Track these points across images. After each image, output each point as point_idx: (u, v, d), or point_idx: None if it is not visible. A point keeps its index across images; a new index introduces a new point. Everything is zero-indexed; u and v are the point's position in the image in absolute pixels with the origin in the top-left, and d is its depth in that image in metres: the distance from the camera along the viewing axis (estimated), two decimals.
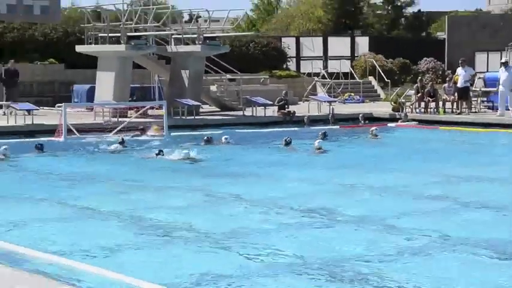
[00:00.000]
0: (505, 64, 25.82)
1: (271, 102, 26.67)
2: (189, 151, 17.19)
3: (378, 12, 64.22)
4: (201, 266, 8.19)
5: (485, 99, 28.18)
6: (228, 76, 31.20)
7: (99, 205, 11.76)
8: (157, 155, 17.22)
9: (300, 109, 28.03)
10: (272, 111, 26.32)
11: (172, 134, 21.68)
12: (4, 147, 17.11)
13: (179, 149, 17.77)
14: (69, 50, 30.05)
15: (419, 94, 27.32)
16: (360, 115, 26.28)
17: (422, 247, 9.15)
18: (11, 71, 27.24)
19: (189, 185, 13.94)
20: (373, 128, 22.05)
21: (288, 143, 19.14)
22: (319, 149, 18.35)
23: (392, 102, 28.55)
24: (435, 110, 26.93)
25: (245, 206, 11.95)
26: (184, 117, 24.99)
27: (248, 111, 26.68)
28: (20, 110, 22.93)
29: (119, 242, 9.35)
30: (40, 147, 17.97)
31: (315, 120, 25.29)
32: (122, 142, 18.99)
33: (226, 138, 20.02)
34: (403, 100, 28.39)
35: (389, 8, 63.76)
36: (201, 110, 27.31)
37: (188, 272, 7.92)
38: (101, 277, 7.43)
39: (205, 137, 20.17)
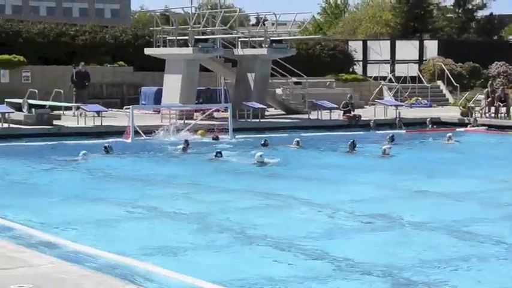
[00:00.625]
0: None
1: (336, 106, 26.55)
2: (261, 154, 17.09)
3: (448, 15, 63.29)
4: (265, 269, 8.20)
5: None
6: (294, 79, 31.14)
7: (164, 206, 11.88)
8: (215, 156, 17.29)
9: (366, 113, 27.83)
10: (337, 115, 26.20)
11: (237, 136, 21.76)
12: (83, 152, 17.32)
13: (249, 152, 17.83)
14: (138, 52, 30.48)
15: (489, 99, 26.85)
16: (427, 119, 25.95)
17: (489, 255, 8.99)
18: (82, 73, 27.70)
19: (255, 187, 13.96)
20: (449, 133, 21.73)
21: (353, 147, 19.01)
22: (387, 153, 18.17)
23: (461, 107, 28.10)
24: (506, 115, 26.41)
25: (310, 210, 11.91)
26: (249, 120, 25.06)
27: (313, 115, 26.62)
28: (89, 111, 23.33)
29: (183, 243, 9.43)
30: (108, 149, 18.16)
31: (381, 124, 25.08)
32: (186, 144, 19.07)
33: (297, 142, 19.89)
34: (472, 105, 27.93)
35: (459, 11, 62.76)
36: (266, 113, 27.32)
37: (253, 275, 7.94)
38: (166, 278, 7.50)
39: (262, 141, 20.13)
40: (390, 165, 17.33)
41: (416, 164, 17.79)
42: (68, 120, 23.62)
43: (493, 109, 26.72)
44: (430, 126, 25.49)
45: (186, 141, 19.32)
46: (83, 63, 28.42)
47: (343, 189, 13.95)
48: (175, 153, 18.73)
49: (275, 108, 29.61)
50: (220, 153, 17.52)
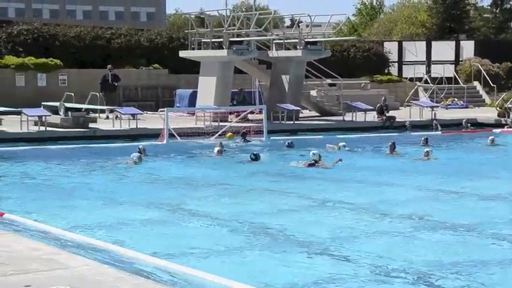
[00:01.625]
0: None
1: (371, 107, 26.43)
2: (317, 156, 16.75)
3: (485, 15, 62.66)
4: (300, 271, 8.17)
5: None
6: (329, 81, 31.08)
7: (198, 208, 11.90)
8: (252, 159, 17.31)
9: (401, 114, 27.67)
10: (373, 117, 26.08)
11: (271, 138, 21.75)
12: (137, 155, 17.26)
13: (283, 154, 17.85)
14: (173, 55, 30.65)
15: None
16: (464, 120, 25.72)
17: None
18: (111, 76, 27.87)
19: (291, 189, 13.92)
20: (492, 136, 21.38)
21: (393, 149, 18.80)
22: (427, 155, 17.96)
23: (498, 108, 27.82)
24: None
25: (348, 211, 11.84)
26: (284, 122, 25.06)
27: (348, 116, 26.53)
28: (124, 114, 23.48)
29: (216, 244, 9.43)
30: (141, 151, 17.89)
31: (416, 126, 24.91)
32: (221, 147, 19.06)
33: (344, 145, 19.65)
34: (509, 105, 27.61)
35: (497, 11, 62.09)
36: (300, 114, 27.30)
37: (287, 277, 7.92)
38: (198, 279, 7.49)
39: (287, 142, 20.07)
40: (429, 167, 17.13)
41: (459, 166, 17.60)
42: (104, 123, 23.80)
43: None
44: (466, 127, 25.26)
45: (221, 144, 19.33)
46: (110, 66, 28.55)
47: (382, 190, 13.86)
48: (210, 156, 18.71)
49: (309, 110, 29.59)
50: (257, 155, 17.51)
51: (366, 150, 20.42)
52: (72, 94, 25.32)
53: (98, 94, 26.32)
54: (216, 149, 18.83)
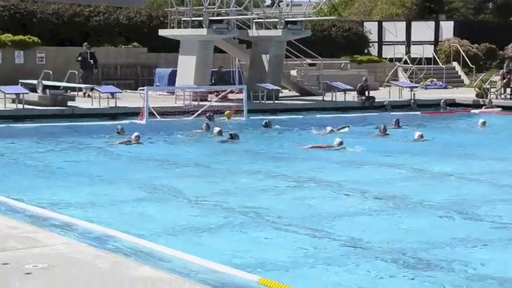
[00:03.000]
0: None
1: (351, 87, 26.46)
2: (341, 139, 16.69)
3: None
4: (274, 250, 8.20)
5: None
6: (309, 61, 31.04)
7: (176, 187, 11.86)
8: (229, 139, 17.26)
9: (381, 94, 27.74)
10: (352, 97, 26.12)
11: (251, 117, 21.73)
12: (136, 134, 17.15)
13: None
14: (152, 33, 30.44)
15: (505, 80, 26.69)
16: (442, 101, 25.83)
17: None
18: (89, 54, 27.31)
19: (272, 169, 13.91)
20: (482, 119, 21.34)
21: (384, 131, 18.61)
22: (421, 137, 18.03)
23: (477, 88, 27.96)
24: None
25: (330, 191, 11.87)
26: (263, 102, 25.03)
27: (328, 96, 26.55)
28: (103, 92, 23.31)
29: (198, 225, 9.43)
30: (120, 131, 17.84)
31: (396, 106, 24.98)
32: (208, 127, 18.84)
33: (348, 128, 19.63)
34: (487, 86, 27.77)
35: None
36: (280, 94, 27.28)
37: (262, 255, 7.95)
38: (180, 259, 7.49)
39: (264, 122, 20.03)
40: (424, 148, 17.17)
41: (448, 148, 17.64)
42: (82, 101, 23.64)
43: (508, 90, 26.55)
44: (444, 107, 25.37)
45: (207, 124, 19.17)
46: (86, 43, 27.98)
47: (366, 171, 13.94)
48: (190, 135, 18.63)
49: (289, 90, 29.56)
50: (234, 135, 17.47)
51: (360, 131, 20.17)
52: (50, 72, 25.02)
53: (76, 72, 26.11)
54: (217, 129, 18.52)
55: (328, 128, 19.37)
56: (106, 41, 32.44)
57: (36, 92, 22.88)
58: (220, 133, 18.05)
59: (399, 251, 8.25)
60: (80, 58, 27.13)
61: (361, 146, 16.63)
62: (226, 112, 21.56)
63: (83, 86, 25.36)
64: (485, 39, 39.36)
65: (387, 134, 18.74)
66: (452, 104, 26.21)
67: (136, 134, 17.05)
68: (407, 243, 8.57)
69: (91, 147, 16.61)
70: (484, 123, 20.97)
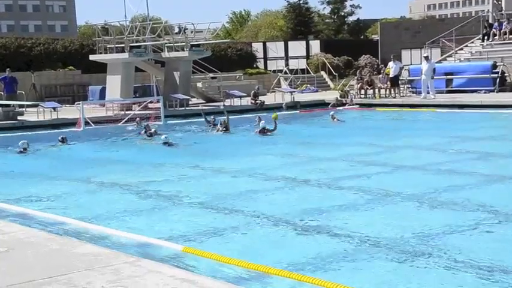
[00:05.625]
0: (426, 58, 25.98)
1: (245, 94, 26.59)
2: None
3: (326, 20, 64.22)
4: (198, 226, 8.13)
5: (409, 85, 28.34)
6: (211, 75, 31.05)
7: (111, 180, 11.62)
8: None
9: (269, 99, 27.97)
10: (247, 101, 26.22)
11: (168, 122, 21.53)
12: (61, 136, 16.56)
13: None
14: (84, 58, 29.73)
15: (359, 84, 27.38)
16: (283, 104, 25.87)
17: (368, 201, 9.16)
18: (10, 79, 24.87)
19: (184, 161, 13.77)
20: (332, 112, 21.46)
21: (266, 130, 18.01)
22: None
23: (340, 91, 28.57)
24: (372, 95, 27.02)
25: (231, 176, 11.87)
26: (177, 109, 24.85)
27: (227, 102, 26.58)
28: (47, 107, 22.65)
29: (128, 207, 9.26)
30: (63, 140, 16.91)
31: (277, 107, 25.18)
32: (147, 130, 18.03)
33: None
34: (348, 89, 28.42)
35: (335, 17, 63.80)
36: (190, 102, 27.13)
37: (180, 230, 7.85)
38: (114, 236, 7.32)
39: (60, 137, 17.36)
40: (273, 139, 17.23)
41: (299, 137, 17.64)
42: (30, 115, 22.84)
43: (362, 91, 27.26)
44: (285, 108, 25.19)
45: (145, 126, 18.41)
46: (8, 69, 25.53)
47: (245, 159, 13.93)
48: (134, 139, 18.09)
49: (197, 98, 29.44)
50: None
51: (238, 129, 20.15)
52: (1, 93, 24.13)
53: (23, 92, 25.28)
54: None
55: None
56: (47, 66, 31.54)
57: None
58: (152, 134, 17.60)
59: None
60: (2, 80, 25.05)
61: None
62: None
63: (30, 103, 24.38)
64: (343, 53, 40.33)
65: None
66: (322, 103, 26.67)
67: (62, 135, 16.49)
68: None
69: (39, 152, 16.04)
70: (333, 116, 20.71)
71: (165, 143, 16.05)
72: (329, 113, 21.53)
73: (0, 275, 4.92)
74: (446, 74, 27.45)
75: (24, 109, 23.68)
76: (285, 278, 5.57)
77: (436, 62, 28.07)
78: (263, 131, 17.27)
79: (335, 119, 20.58)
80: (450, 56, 30.93)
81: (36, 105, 23.50)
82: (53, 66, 31.85)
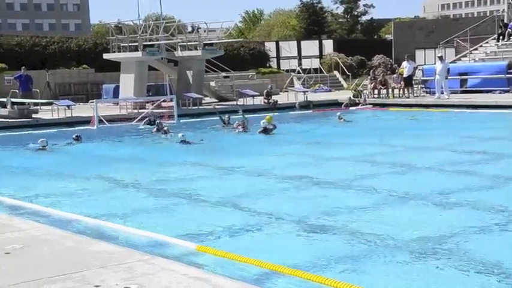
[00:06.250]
0: (441, 58, 25.86)
1: (258, 93, 26.61)
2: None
3: (339, 20, 64.09)
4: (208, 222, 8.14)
5: (423, 86, 28.23)
6: (223, 74, 31.07)
7: (126, 178, 11.65)
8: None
9: (281, 98, 27.97)
10: (259, 100, 26.24)
11: (181, 120, 21.58)
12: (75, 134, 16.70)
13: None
14: (98, 57, 29.90)
15: (373, 83, 27.30)
16: (296, 103, 25.90)
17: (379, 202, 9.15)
18: (25, 77, 25.21)
19: (187, 160, 13.76)
20: (339, 112, 21.43)
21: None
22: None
23: (353, 90, 28.51)
24: (386, 95, 26.94)
25: (245, 175, 11.87)
26: (190, 108, 24.91)
27: (240, 101, 26.61)
28: (61, 105, 22.81)
29: (142, 206, 9.30)
30: (78, 138, 16.93)
31: (288, 107, 25.21)
32: (159, 128, 18.19)
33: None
34: (361, 88, 28.36)
35: (348, 16, 63.67)
36: (203, 101, 27.19)
37: (191, 227, 7.88)
38: (129, 234, 7.35)
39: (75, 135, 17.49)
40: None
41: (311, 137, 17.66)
42: (44, 113, 23.01)
43: (376, 91, 27.20)
44: (299, 108, 25.21)
45: (158, 124, 18.52)
46: (24, 67, 25.90)
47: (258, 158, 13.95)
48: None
49: (210, 97, 29.51)
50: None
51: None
52: (17, 91, 24.36)
53: (38, 90, 25.51)
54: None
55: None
56: (61, 65, 31.74)
57: (5, 107, 22.21)
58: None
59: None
60: (17, 79, 25.35)
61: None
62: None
63: (45, 101, 24.62)
64: (357, 52, 40.24)
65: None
66: (335, 103, 26.64)
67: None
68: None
69: (54, 150, 16.13)
70: (340, 117, 20.53)
71: (182, 141, 16.11)
72: (336, 113, 21.42)
73: (15, 272, 4.97)
74: (461, 74, 27.31)
75: (38, 107, 23.89)
76: (298, 277, 5.57)
77: (451, 62, 27.93)
78: (265, 131, 17.26)
79: (342, 120, 20.46)
80: (465, 56, 30.76)
81: (50, 104, 23.69)
82: (67, 64, 32.05)
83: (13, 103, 22.21)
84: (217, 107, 23.53)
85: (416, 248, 6.75)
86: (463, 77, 27.28)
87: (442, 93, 25.13)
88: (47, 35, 36.56)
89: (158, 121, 19.19)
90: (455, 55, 31.85)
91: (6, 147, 16.86)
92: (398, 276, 6.01)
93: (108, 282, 4.62)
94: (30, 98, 24.50)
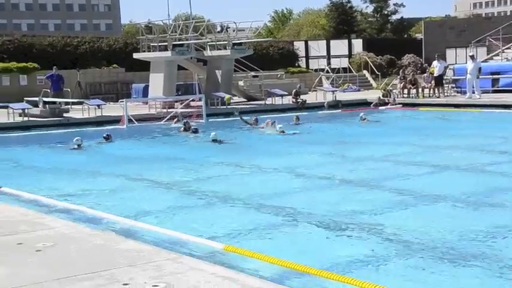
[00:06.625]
0: (472, 57, 25.52)
1: (286, 93, 26.55)
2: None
3: (369, 19, 63.67)
4: (235, 223, 8.15)
5: (454, 85, 27.87)
6: (252, 73, 31.07)
7: (161, 178, 11.68)
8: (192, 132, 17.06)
9: (310, 97, 27.89)
10: (288, 100, 26.19)
11: (209, 120, 21.64)
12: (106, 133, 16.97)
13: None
14: (128, 56, 30.13)
15: (402, 83, 27.06)
16: (325, 103, 25.73)
17: (408, 203, 9.06)
18: (57, 77, 25.30)
19: (223, 160, 13.83)
20: (362, 113, 21.11)
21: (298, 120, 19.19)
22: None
23: (382, 90, 28.28)
24: (416, 95, 26.67)
25: (273, 174, 11.84)
26: (218, 107, 24.95)
27: (268, 101, 26.59)
28: (91, 105, 23.04)
29: (175, 205, 9.34)
30: (108, 137, 17.01)
31: (317, 106, 25.11)
32: (188, 127, 18.29)
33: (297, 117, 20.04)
34: (390, 88, 28.12)
35: (378, 15, 63.20)
36: (231, 100, 27.20)
37: (226, 227, 7.89)
38: (158, 233, 7.38)
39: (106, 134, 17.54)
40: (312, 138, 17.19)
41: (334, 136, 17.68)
42: (75, 112, 23.28)
43: (405, 91, 26.94)
44: (327, 107, 25.08)
45: (185, 123, 18.67)
46: (55, 67, 26.04)
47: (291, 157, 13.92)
48: (176, 134, 18.28)
49: (238, 97, 29.53)
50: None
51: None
52: (48, 90, 24.67)
53: (69, 90, 25.80)
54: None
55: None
56: (92, 64, 32.07)
57: (38, 107, 22.50)
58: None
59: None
60: (49, 78, 25.55)
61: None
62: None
63: (75, 100, 24.86)
64: (386, 52, 39.91)
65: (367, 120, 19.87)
66: (364, 103, 26.47)
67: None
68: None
69: (85, 148, 16.30)
70: (362, 118, 20.28)
71: (214, 140, 16.15)
72: (359, 113, 21.21)
73: (45, 269, 5.04)
74: (493, 73, 26.91)
75: (69, 106, 24.16)
76: (323, 278, 5.54)
77: (482, 61, 27.54)
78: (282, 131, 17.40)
79: (365, 120, 20.23)
80: (497, 55, 30.31)
81: (81, 103, 23.93)
82: (97, 64, 32.36)
83: (45, 102, 22.49)
84: (237, 111, 23.29)
85: (442, 249, 6.66)
86: (494, 76, 26.87)
87: (473, 92, 24.79)
88: (78, 35, 37.01)
89: (185, 120, 19.30)
90: (487, 54, 31.39)
91: (39, 146, 17.09)
92: (423, 277, 5.94)
93: (136, 281, 4.65)
94: (61, 97, 24.84)
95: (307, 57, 41.76)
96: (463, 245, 6.79)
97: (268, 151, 15.05)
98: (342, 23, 57.19)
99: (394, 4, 62.88)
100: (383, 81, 32.96)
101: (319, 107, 25.26)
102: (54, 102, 22.82)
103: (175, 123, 20.38)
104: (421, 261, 6.35)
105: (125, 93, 29.92)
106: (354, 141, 16.28)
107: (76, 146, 15.79)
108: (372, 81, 36.85)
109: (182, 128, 18.50)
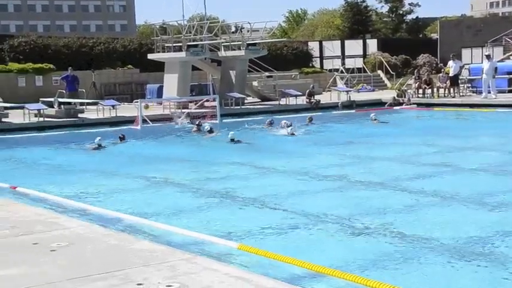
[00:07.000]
0: (488, 57, 25.33)
1: (301, 93, 26.50)
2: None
3: (384, 19, 63.41)
4: (252, 223, 8.15)
5: (470, 85, 27.68)
6: (266, 73, 31.05)
7: (173, 177, 11.71)
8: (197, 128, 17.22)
9: (324, 98, 27.81)
10: (302, 100, 26.14)
11: (224, 120, 21.65)
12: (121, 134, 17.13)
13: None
14: (143, 57, 30.23)
15: (417, 83, 26.92)
16: (339, 103, 25.63)
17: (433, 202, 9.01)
18: (72, 77, 25.56)
19: (236, 160, 13.83)
20: (373, 114, 20.93)
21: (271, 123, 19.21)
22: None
23: (397, 90, 28.15)
24: (431, 95, 26.52)
25: (287, 175, 11.83)
26: (232, 107, 24.97)
27: (283, 101, 26.56)
28: (106, 105, 23.12)
29: (185, 204, 9.36)
30: (123, 137, 17.15)
31: (334, 106, 25.00)
32: (199, 126, 18.44)
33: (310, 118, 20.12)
34: (405, 88, 27.97)
35: (393, 15, 62.92)
36: (245, 101, 27.21)
37: (241, 227, 7.88)
38: (168, 232, 7.40)
39: (268, 120, 19.63)
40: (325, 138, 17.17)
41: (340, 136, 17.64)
42: (90, 113, 23.40)
43: (420, 91, 26.80)
44: (341, 107, 25.01)
45: (198, 124, 18.83)
46: (70, 68, 26.33)
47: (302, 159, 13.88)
48: (191, 135, 18.30)
49: (252, 97, 29.52)
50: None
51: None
52: (64, 91, 24.79)
53: (84, 90, 25.91)
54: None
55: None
56: (107, 65, 32.20)
57: (53, 107, 22.64)
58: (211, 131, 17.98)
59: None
60: (64, 79, 25.76)
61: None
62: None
63: (88, 101, 24.99)
64: (401, 52, 39.72)
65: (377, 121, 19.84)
66: (379, 103, 26.34)
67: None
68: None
69: (100, 149, 16.36)
70: (373, 118, 20.23)
71: (231, 140, 16.16)
72: (370, 114, 21.08)
73: (60, 269, 5.06)
74: (509, 73, 26.70)
75: (84, 107, 24.29)
76: (338, 278, 5.52)
77: (498, 61, 27.33)
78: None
79: (375, 121, 20.13)
80: None
81: (96, 103, 24.04)
82: (112, 65, 32.49)
83: (60, 103, 22.63)
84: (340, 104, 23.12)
85: (459, 249, 6.61)
86: (511, 76, 26.65)
87: (489, 92, 24.60)
88: (94, 36, 37.16)
89: (198, 121, 19.32)
90: (504, 54, 31.15)
91: (54, 146, 17.20)
92: (441, 278, 5.90)
93: (150, 280, 4.66)
94: (76, 98, 24.98)
95: (321, 57, 41.68)
96: (476, 246, 6.73)
97: (284, 151, 15.04)
98: (357, 23, 56.99)
99: (409, 4, 62.64)
100: (398, 81, 32.80)
101: (333, 107, 25.19)
102: (69, 103, 22.95)
103: (180, 123, 20.42)
104: (436, 262, 6.30)
105: (140, 93, 30.02)
106: (368, 142, 16.23)
107: (97, 146, 15.89)
108: (386, 81, 36.69)
109: (195, 128, 18.53)
